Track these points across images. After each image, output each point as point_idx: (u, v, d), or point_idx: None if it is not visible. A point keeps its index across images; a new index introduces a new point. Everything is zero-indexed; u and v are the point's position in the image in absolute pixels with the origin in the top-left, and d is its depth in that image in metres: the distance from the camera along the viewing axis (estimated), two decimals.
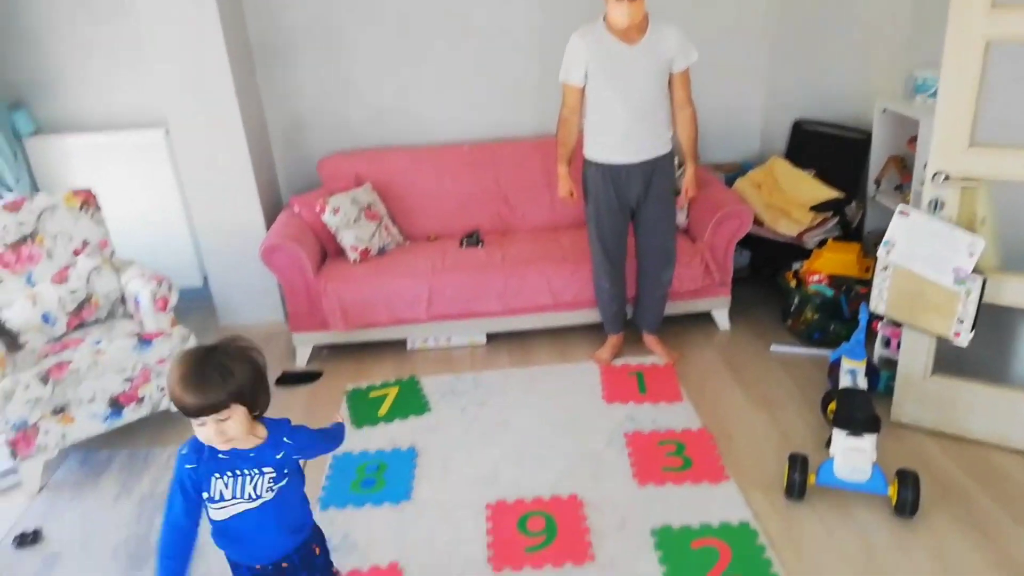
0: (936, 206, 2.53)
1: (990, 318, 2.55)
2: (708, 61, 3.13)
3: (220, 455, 1.55)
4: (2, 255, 2.98)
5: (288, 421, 1.66)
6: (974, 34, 2.32)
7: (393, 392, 3.20)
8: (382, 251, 3.63)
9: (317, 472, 2.74)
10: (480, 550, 2.32)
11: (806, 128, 3.96)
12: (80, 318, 3.03)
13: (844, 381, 2.64)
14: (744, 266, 3.93)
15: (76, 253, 3.12)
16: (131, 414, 2.86)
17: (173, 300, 2.97)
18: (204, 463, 1.56)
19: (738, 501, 2.45)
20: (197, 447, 1.56)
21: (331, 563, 1.90)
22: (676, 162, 3.26)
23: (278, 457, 1.59)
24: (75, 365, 2.73)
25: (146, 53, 3.45)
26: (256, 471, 1.58)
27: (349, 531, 2.43)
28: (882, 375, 2.92)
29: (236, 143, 3.58)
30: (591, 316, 3.46)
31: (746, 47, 4.06)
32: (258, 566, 1.68)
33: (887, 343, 2.94)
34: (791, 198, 3.70)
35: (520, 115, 4.03)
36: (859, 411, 2.43)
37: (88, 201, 3.20)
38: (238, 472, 1.57)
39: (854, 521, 2.35)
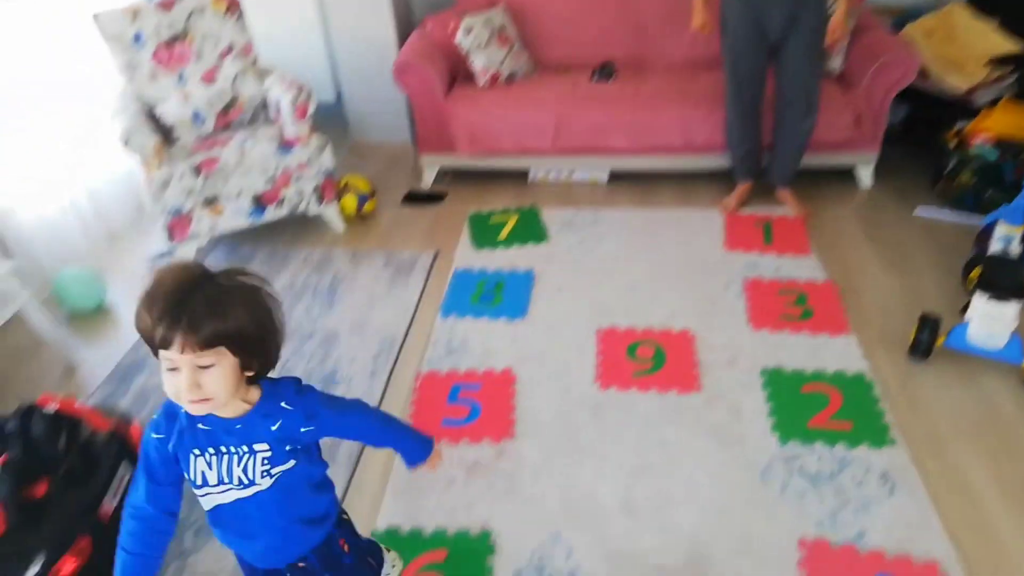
0: None
1: None
2: None
3: (200, 424, 1.16)
4: (156, 52, 3.12)
5: (296, 382, 1.23)
6: None
7: (513, 219, 3.24)
8: (511, 77, 3.56)
9: (440, 284, 2.88)
10: (589, 368, 2.41)
11: None
12: (227, 119, 3.18)
13: (995, 247, 2.44)
14: (897, 122, 3.60)
15: (222, 56, 3.23)
16: (272, 213, 3.06)
17: (311, 108, 3.06)
18: (179, 435, 1.17)
19: (856, 353, 2.40)
20: (170, 412, 1.18)
21: (368, 558, 1.52)
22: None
23: (273, 429, 1.17)
24: (223, 162, 2.91)
25: None
26: (245, 448, 1.17)
27: (467, 337, 2.57)
28: None
29: None
30: (720, 163, 3.32)
31: None
32: (264, 569, 1.33)
33: None
34: (967, 50, 3.31)
35: None
36: (1007, 277, 2.27)
37: (232, 6, 3.25)
38: (223, 449, 1.17)
39: (978, 386, 2.26)
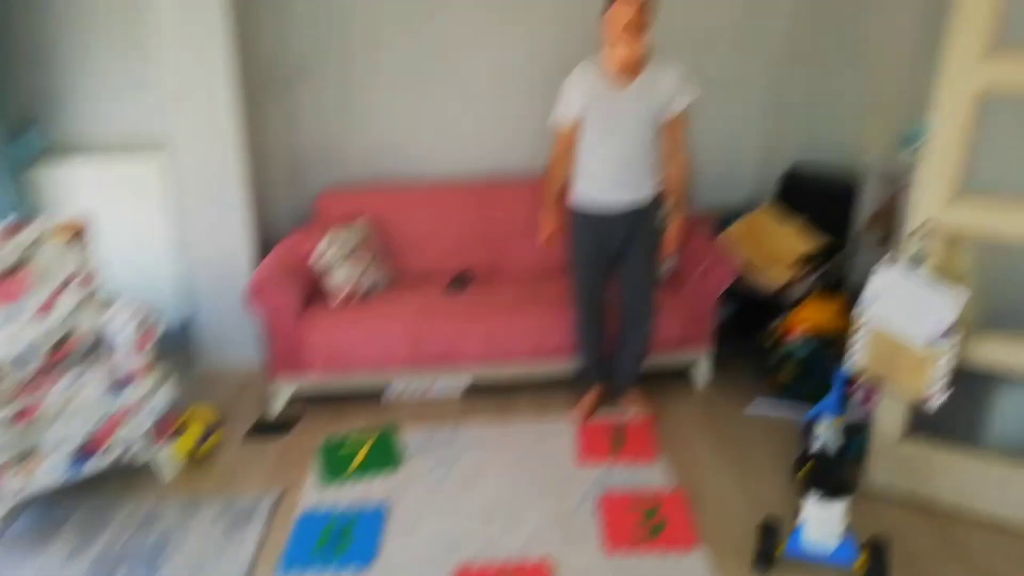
0: (918, 260, 2.48)
1: (965, 380, 2.50)
2: (704, 104, 3.15)
3: None
4: None
5: None
6: (964, 84, 2.34)
7: (368, 444, 3.13)
8: (370, 291, 3.56)
9: (281, 532, 2.67)
10: None
11: (800, 174, 3.95)
12: (57, 356, 2.99)
13: (816, 444, 2.58)
14: (730, 318, 3.86)
15: (62, 288, 3.06)
16: (94, 464, 2.78)
17: (156, 335, 2.94)
18: None
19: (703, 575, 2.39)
20: None
21: None
22: (663, 210, 3.21)
23: None
24: (45, 409, 2.71)
25: (150, 78, 3.52)
26: None
27: None
28: (857, 438, 2.85)
29: (233, 175, 3.60)
30: (573, 367, 3.41)
31: (744, 94, 4.06)
32: None
33: (861, 404, 2.90)
34: (776, 250, 3.67)
35: (519, 154, 4.01)
36: (829, 475, 2.38)
37: (79, 233, 3.13)
38: None
39: None
